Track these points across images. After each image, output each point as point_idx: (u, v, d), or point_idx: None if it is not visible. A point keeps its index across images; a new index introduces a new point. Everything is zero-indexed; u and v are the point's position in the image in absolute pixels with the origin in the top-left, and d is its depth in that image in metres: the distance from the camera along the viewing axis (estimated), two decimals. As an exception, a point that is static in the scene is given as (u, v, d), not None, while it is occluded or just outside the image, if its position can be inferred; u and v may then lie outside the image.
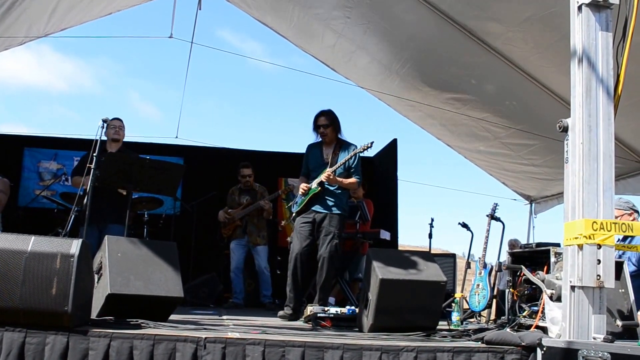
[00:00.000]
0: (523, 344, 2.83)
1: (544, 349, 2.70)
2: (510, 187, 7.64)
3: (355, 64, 6.33)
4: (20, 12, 4.68)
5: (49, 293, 2.61)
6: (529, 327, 3.24)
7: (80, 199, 4.37)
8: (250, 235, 6.41)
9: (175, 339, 2.64)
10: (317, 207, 4.59)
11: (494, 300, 4.90)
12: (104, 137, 4.51)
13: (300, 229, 4.58)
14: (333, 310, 3.89)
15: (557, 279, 3.03)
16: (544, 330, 3.01)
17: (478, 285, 4.99)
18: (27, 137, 8.22)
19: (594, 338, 2.59)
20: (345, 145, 4.70)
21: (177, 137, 7.83)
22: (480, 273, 5.03)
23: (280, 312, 4.46)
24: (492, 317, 4.88)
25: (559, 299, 2.89)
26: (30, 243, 2.68)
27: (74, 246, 2.73)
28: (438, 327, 3.63)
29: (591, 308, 2.64)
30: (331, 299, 5.59)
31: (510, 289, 3.64)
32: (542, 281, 3.18)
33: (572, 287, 2.68)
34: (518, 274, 3.61)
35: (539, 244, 3.71)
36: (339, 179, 4.56)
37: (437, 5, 4.86)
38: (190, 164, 6.57)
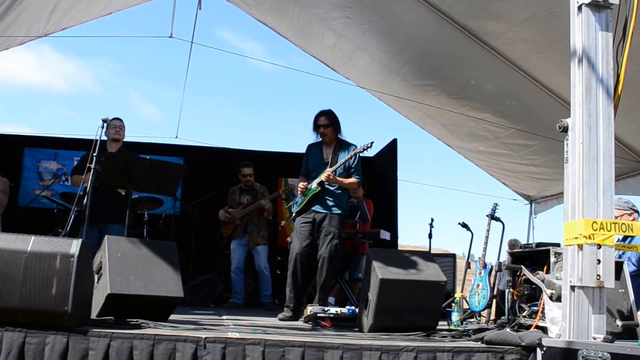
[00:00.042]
0: (523, 344, 2.83)
1: (544, 349, 2.70)
2: (510, 187, 7.64)
3: (355, 64, 6.33)
4: (20, 11, 4.68)
5: (49, 293, 2.61)
6: (529, 327, 3.24)
7: (80, 198, 4.37)
8: (250, 235, 6.41)
9: (175, 339, 2.65)
10: (317, 207, 4.58)
11: (494, 300, 4.90)
12: (104, 137, 4.51)
13: (300, 229, 4.58)
14: (333, 310, 3.89)
15: (557, 279, 3.03)
16: (544, 330, 3.01)
17: (478, 285, 4.99)
18: (27, 137, 8.22)
19: (594, 338, 2.59)
20: (345, 145, 4.70)
21: (177, 137, 7.85)
22: (480, 273, 5.03)
23: (280, 315, 4.44)
24: (492, 317, 4.88)
25: (558, 299, 2.89)
26: (30, 243, 2.68)
27: (74, 246, 2.73)
28: (438, 327, 3.63)
29: (591, 308, 2.65)
30: (331, 299, 5.59)
31: (510, 289, 3.64)
32: (542, 281, 3.17)
33: (572, 287, 2.68)
34: (518, 274, 3.61)
35: (538, 244, 3.70)
36: (339, 178, 4.56)
37: (437, 5, 4.86)
38: (190, 164, 6.57)
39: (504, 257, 4.80)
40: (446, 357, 2.78)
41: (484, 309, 4.87)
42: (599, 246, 2.65)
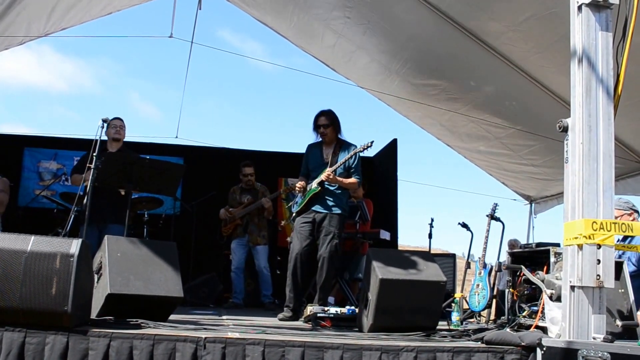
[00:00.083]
0: (523, 344, 2.83)
1: (544, 349, 2.70)
2: (510, 187, 7.64)
3: (355, 64, 6.33)
4: (19, 10, 4.68)
5: (49, 293, 2.61)
6: (528, 327, 3.25)
7: (80, 198, 4.37)
8: (250, 235, 6.41)
9: (175, 339, 2.64)
10: (317, 207, 4.58)
11: (494, 300, 4.90)
12: (104, 137, 4.51)
13: (300, 229, 4.58)
14: (333, 310, 3.89)
15: (556, 279, 3.03)
16: (544, 330, 3.01)
17: (478, 285, 4.99)
18: (27, 137, 8.23)
19: (594, 338, 2.59)
20: (345, 146, 4.70)
21: (177, 137, 7.84)
22: (480, 273, 5.03)
23: (280, 315, 4.44)
24: (492, 317, 4.88)
25: (558, 299, 2.89)
26: (30, 243, 2.68)
27: (74, 246, 2.73)
28: (438, 327, 3.63)
29: (591, 308, 2.64)
30: (331, 299, 5.59)
31: (510, 289, 3.64)
32: (542, 281, 3.17)
33: (572, 287, 2.68)
34: (518, 274, 3.61)
35: (538, 244, 3.70)
36: (339, 178, 4.56)
37: (437, 5, 4.86)
38: (190, 164, 6.57)
39: (504, 257, 4.81)
40: (446, 357, 2.78)
41: (483, 309, 4.87)
42: (599, 246, 2.65)
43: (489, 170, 7.39)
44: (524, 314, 3.44)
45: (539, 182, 7.05)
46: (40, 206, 7.13)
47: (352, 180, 4.62)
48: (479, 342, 2.99)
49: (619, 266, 3.29)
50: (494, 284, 4.98)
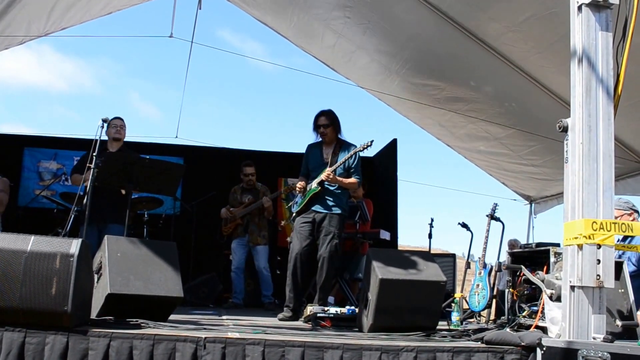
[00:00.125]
0: (523, 344, 2.83)
1: (544, 348, 2.70)
2: (510, 187, 7.64)
3: (355, 64, 6.33)
4: (19, 9, 4.67)
5: (49, 293, 2.61)
6: (528, 327, 3.25)
7: (80, 198, 4.37)
8: (251, 235, 6.41)
9: (175, 339, 2.64)
10: (317, 207, 4.58)
11: (494, 300, 4.90)
12: (104, 137, 4.51)
13: (300, 229, 4.58)
14: (333, 310, 3.89)
15: (556, 279, 3.03)
16: (544, 330, 3.01)
17: (478, 285, 4.99)
18: (27, 137, 8.23)
19: (594, 338, 2.59)
20: (345, 146, 4.70)
21: (177, 137, 7.85)
22: (480, 273, 5.03)
23: (280, 315, 4.44)
24: (492, 317, 4.88)
25: (558, 299, 2.89)
26: (30, 243, 2.68)
27: (74, 246, 2.73)
28: (438, 327, 3.63)
29: (591, 308, 2.64)
30: (331, 299, 5.59)
31: (510, 289, 3.64)
32: (542, 281, 3.17)
33: (572, 287, 2.68)
34: (518, 274, 3.61)
35: (538, 244, 3.71)
36: (339, 178, 4.55)
37: (437, 5, 4.85)
38: (190, 164, 6.57)
39: (504, 257, 4.81)
40: (446, 357, 2.78)
41: (483, 309, 4.87)
42: (599, 246, 2.65)
43: (489, 170, 7.39)
44: (524, 314, 3.44)
45: (539, 182, 7.05)
46: (40, 206, 7.13)
47: (352, 180, 4.62)
48: (479, 342, 2.99)
49: (619, 266, 3.30)
50: (494, 284, 4.98)
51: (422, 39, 5.49)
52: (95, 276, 3.27)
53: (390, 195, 7.72)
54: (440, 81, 5.90)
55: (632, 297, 3.32)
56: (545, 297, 3.07)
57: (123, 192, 4.83)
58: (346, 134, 4.80)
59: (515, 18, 4.52)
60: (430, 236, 6.82)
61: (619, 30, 2.84)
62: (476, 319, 5.12)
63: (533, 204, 7.67)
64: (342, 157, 4.59)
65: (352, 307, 3.94)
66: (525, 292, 3.53)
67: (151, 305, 3.24)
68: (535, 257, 3.60)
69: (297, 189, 4.71)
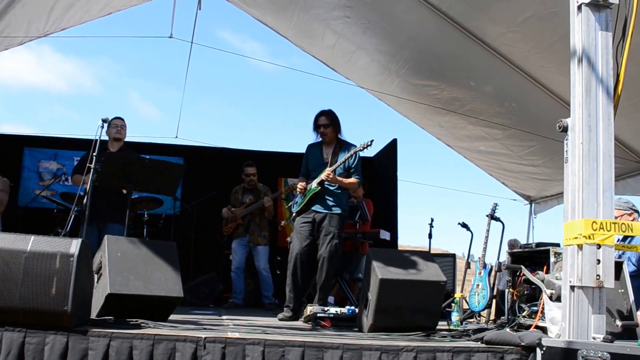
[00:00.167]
0: (523, 344, 2.83)
1: (544, 348, 2.70)
2: (510, 187, 7.64)
3: (355, 64, 6.33)
4: (19, 9, 4.67)
5: (49, 293, 2.61)
6: (528, 327, 3.24)
7: (80, 198, 4.37)
8: (252, 235, 6.41)
9: (175, 339, 2.64)
10: (317, 207, 4.58)
11: (494, 300, 4.90)
12: (104, 137, 4.51)
13: (300, 229, 4.58)
14: (333, 310, 3.89)
15: (556, 279, 3.03)
16: (544, 330, 3.01)
17: (478, 285, 4.99)
18: (27, 137, 8.23)
19: (594, 338, 2.59)
20: (345, 146, 4.70)
21: (177, 137, 7.85)
22: (480, 273, 5.03)
23: (280, 315, 4.44)
24: (492, 317, 4.88)
25: (558, 299, 2.89)
26: (30, 243, 2.68)
27: (74, 246, 2.73)
28: (438, 327, 3.63)
29: (591, 308, 2.64)
30: (331, 299, 5.59)
31: (510, 289, 3.64)
32: (542, 281, 3.17)
33: (572, 287, 2.68)
34: (518, 274, 3.61)
35: (538, 244, 3.70)
36: (338, 178, 4.55)
37: (437, 5, 4.86)
38: (190, 164, 6.58)
39: (504, 257, 4.81)
40: (446, 357, 2.78)
41: (483, 309, 4.87)
42: (599, 246, 2.65)
43: (489, 170, 7.39)
44: (523, 314, 3.44)
45: (539, 182, 7.05)
46: (40, 206, 7.14)
47: (352, 180, 4.62)
48: (479, 342, 2.99)
49: (618, 266, 3.29)
50: (493, 284, 4.98)
51: (422, 39, 5.49)
52: (95, 276, 3.27)
53: (390, 195, 7.72)
54: (440, 81, 5.90)
55: (632, 297, 3.31)
56: (545, 297, 3.07)
57: (124, 191, 4.83)
58: (346, 134, 4.81)
59: (515, 18, 4.52)
60: (430, 236, 6.83)
61: (619, 30, 2.84)
62: (476, 319, 5.12)
63: (533, 204, 7.67)
64: (342, 157, 4.59)
65: (352, 307, 3.94)
66: (525, 292, 3.52)
67: (151, 305, 3.24)
68: (535, 257, 3.60)
69: (297, 189, 4.71)
